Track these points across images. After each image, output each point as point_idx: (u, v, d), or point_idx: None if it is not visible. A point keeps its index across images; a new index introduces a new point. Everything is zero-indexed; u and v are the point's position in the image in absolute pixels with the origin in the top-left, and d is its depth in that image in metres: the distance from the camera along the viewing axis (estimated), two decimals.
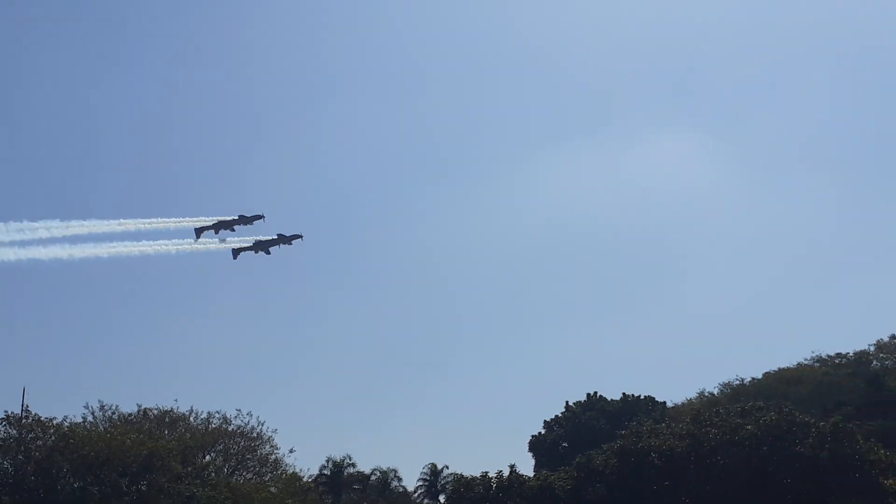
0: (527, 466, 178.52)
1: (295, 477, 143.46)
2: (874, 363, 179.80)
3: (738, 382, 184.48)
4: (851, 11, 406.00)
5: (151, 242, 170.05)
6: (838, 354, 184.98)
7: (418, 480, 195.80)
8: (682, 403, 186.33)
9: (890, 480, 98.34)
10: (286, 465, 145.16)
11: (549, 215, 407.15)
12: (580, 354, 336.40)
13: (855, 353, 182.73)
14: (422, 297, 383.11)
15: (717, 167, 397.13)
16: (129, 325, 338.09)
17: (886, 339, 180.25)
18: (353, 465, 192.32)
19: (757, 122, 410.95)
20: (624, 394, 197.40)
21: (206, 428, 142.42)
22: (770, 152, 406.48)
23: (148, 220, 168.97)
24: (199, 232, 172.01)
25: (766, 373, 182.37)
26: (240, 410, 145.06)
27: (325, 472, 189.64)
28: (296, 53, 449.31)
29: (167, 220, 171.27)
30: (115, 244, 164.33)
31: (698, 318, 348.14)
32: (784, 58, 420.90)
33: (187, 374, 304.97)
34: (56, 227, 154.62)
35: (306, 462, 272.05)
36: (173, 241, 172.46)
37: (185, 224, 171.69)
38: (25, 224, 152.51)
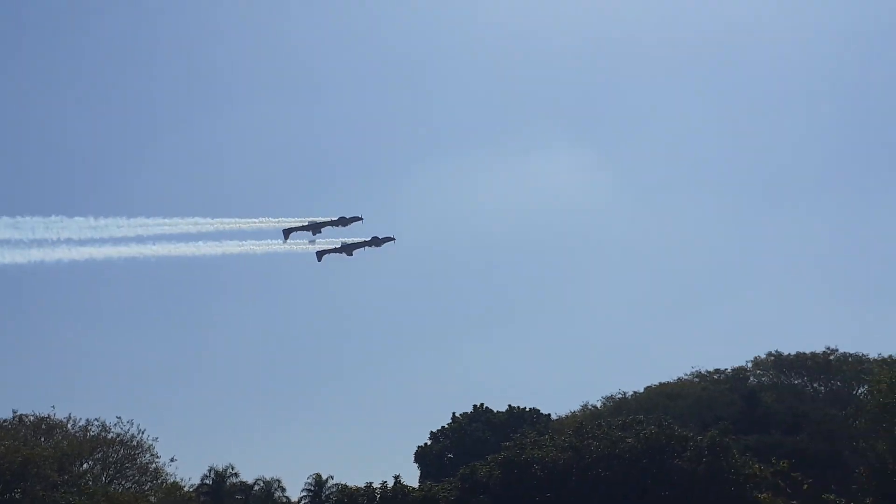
0: (412, 477, 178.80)
1: (175, 486, 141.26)
2: (751, 379, 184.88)
3: (620, 396, 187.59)
4: (738, 37, 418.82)
5: (240, 242, 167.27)
6: (717, 370, 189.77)
7: (302, 491, 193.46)
8: (566, 416, 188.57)
9: (764, 494, 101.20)
10: (167, 474, 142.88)
11: (440, 226, 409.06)
12: (468, 366, 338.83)
13: (733, 369, 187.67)
14: (308, 305, 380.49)
15: (606, 183, 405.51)
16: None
17: (763, 355, 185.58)
18: (236, 474, 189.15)
19: (645, 142, 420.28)
20: (510, 406, 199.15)
21: (85, 436, 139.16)
22: (656, 171, 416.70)
23: (245, 220, 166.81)
24: (287, 233, 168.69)
25: (648, 387, 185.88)
26: (120, 418, 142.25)
27: (207, 481, 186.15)
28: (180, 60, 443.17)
29: (259, 220, 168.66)
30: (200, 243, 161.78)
31: (584, 332, 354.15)
32: (673, 79, 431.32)
33: (69, 381, 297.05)
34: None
35: (187, 471, 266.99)
36: (264, 241, 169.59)
37: (277, 224, 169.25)
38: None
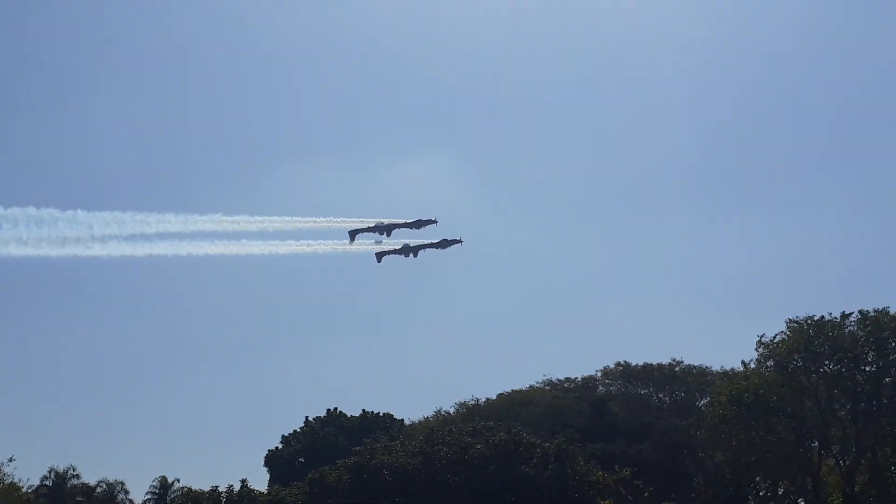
0: (262, 482, 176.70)
1: (13, 487, 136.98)
2: (600, 388, 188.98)
3: (473, 402, 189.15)
4: (601, 55, 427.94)
5: (307, 242, 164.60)
6: (567, 379, 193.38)
7: (147, 494, 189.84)
8: (419, 421, 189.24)
9: (607, 501, 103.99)
10: (4, 474, 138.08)
11: None
12: (322, 370, 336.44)
13: (583, 378, 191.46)
14: (156, 305, 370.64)
15: (463, 190, 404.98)
16: None
17: (612, 365, 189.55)
18: (78, 476, 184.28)
19: (506, 148, 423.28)
20: (364, 410, 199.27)
21: None
22: (514, 179, 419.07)
23: (311, 219, 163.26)
24: (353, 235, 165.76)
25: (500, 394, 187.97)
26: None
27: (47, 482, 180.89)
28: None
29: (329, 219, 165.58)
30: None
31: (439, 339, 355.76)
32: (540, 84, 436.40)
33: None
34: None
35: (27, 472, 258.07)
36: (329, 241, 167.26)
37: (344, 225, 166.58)
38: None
